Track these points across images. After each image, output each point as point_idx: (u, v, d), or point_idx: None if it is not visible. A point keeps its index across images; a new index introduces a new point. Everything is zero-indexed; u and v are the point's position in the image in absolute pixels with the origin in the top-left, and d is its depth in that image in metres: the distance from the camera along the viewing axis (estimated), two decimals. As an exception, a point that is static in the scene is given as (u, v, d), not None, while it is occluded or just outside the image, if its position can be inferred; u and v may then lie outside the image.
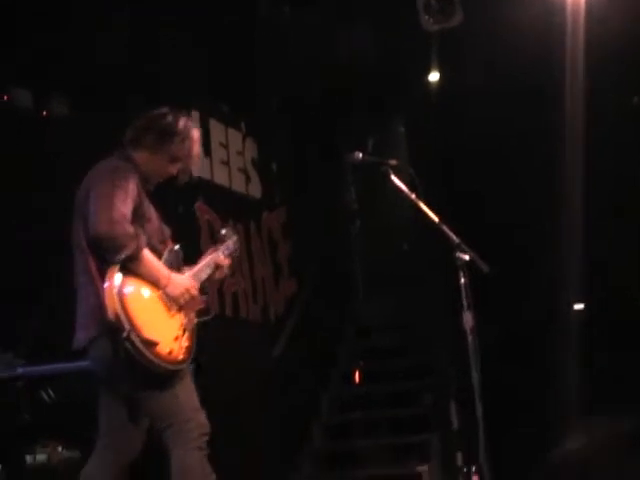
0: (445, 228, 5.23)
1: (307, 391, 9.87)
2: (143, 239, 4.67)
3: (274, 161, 10.27)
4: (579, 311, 8.96)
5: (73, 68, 7.79)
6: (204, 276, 5.09)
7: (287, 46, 9.27)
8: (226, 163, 9.39)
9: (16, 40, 7.43)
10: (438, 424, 9.22)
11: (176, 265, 4.97)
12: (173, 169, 5.03)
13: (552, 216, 8.65)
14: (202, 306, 4.98)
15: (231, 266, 5.33)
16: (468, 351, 5.09)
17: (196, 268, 5.08)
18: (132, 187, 4.73)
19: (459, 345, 5.23)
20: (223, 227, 5.66)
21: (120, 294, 4.55)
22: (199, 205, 8.75)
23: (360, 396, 10.40)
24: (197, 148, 5.11)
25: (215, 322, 8.75)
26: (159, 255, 4.86)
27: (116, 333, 4.51)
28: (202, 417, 4.80)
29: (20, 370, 6.50)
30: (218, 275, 5.26)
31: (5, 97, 7.84)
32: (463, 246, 5.17)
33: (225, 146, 9.38)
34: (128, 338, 4.48)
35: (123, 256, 4.57)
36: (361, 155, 5.46)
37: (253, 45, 9.02)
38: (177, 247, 5.04)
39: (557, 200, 8.55)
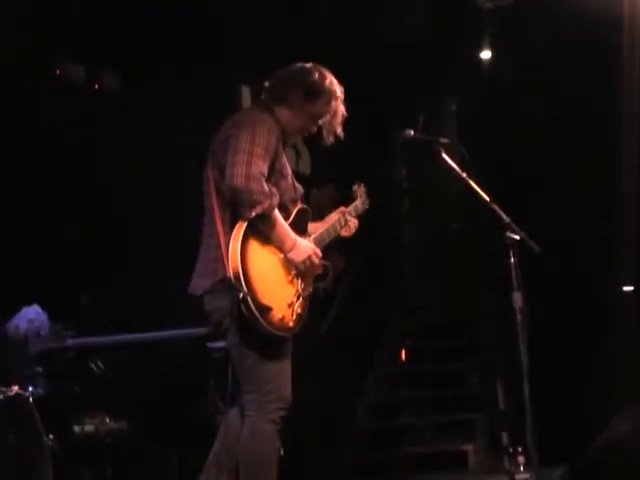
0: (496, 207, 5.20)
1: (353, 369, 9.88)
2: (277, 198, 4.59)
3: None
4: (628, 293, 8.87)
5: (124, 42, 7.84)
6: (327, 239, 5.06)
7: (338, 23, 9.24)
8: (277, 139, 9.38)
9: (68, 15, 7.49)
10: (484, 403, 9.20)
11: (303, 225, 4.92)
12: (313, 127, 4.96)
13: (604, 198, 8.57)
14: (320, 271, 4.92)
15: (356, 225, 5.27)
16: (516, 331, 5.07)
17: (320, 230, 5.05)
18: (272, 142, 4.65)
19: (507, 325, 5.21)
20: (357, 183, 5.49)
21: (243, 255, 4.51)
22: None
23: (406, 374, 10.39)
24: (342, 107, 4.98)
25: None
26: (289, 214, 4.81)
27: (233, 291, 4.46)
28: (286, 391, 4.75)
29: (70, 341, 6.58)
30: (344, 234, 5.26)
31: (57, 71, 7.91)
32: (514, 226, 5.14)
33: (277, 122, 9.37)
34: (244, 300, 4.45)
35: (257, 212, 4.50)
36: (412, 132, 5.43)
37: (305, 24, 9.00)
38: (306, 207, 4.99)
39: (611, 180, 8.45)
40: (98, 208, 7.69)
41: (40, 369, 6.24)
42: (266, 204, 4.50)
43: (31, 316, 6.43)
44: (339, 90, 4.95)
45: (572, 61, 8.86)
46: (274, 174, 4.70)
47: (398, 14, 9.25)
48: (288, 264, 4.71)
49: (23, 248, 7.04)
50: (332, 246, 9.44)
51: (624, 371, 8.16)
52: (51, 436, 5.37)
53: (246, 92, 8.86)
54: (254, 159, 4.53)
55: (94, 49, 7.91)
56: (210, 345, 6.17)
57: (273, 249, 4.67)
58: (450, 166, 5.32)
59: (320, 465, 8.74)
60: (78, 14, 7.51)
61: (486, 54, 9.99)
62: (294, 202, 4.91)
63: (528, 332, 5.06)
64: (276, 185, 4.69)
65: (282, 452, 4.82)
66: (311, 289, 4.86)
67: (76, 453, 6.18)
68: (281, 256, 4.70)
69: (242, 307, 4.47)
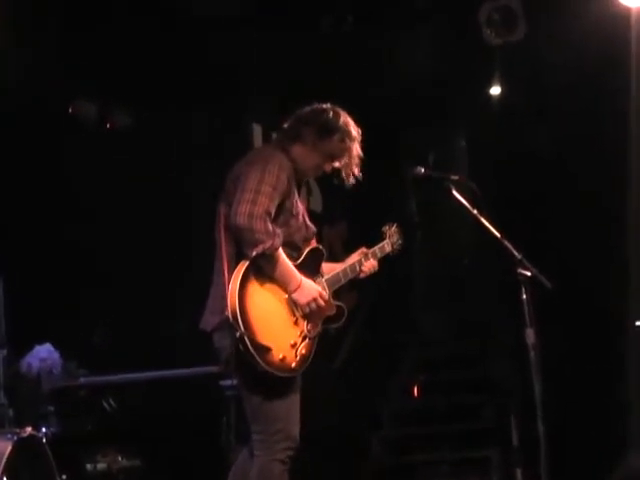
0: (507, 244, 5.20)
1: (367, 404, 9.85)
2: (280, 239, 4.59)
3: (335, 175, 10.26)
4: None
5: (136, 80, 7.88)
6: (344, 280, 5.05)
7: (349, 59, 9.27)
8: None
9: (80, 53, 7.53)
10: (499, 439, 9.15)
11: (315, 266, 4.91)
12: (328, 167, 4.96)
13: (615, 230, 8.55)
14: (332, 313, 4.92)
15: (373, 269, 5.23)
16: (530, 367, 5.06)
17: (336, 271, 5.05)
18: (283, 180, 4.67)
19: (521, 359, 5.20)
20: (388, 224, 5.47)
21: (242, 293, 4.51)
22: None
23: (419, 409, 10.35)
24: (357, 147, 4.98)
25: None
26: (300, 253, 4.82)
27: (232, 330, 4.48)
28: (294, 431, 4.74)
29: (82, 379, 6.59)
30: (363, 276, 5.23)
31: (70, 109, 7.96)
32: (525, 262, 5.14)
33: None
34: (241, 339, 4.45)
35: (258, 252, 4.51)
36: (423, 170, 5.44)
37: (316, 60, 9.05)
38: (319, 247, 4.99)
39: (620, 214, 8.45)
40: (112, 246, 7.71)
41: (53, 408, 6.25)
42: (268, 244, 4.51)
43: (43, 355, 6.45)
44: (354, 130, 4.97)
45: (582, 96, 8.87)
46: (284, 212, 4.71)
47: (409, 52, 9.26)
48: (293, 304, 4.70)
49: (36, 287, 7.06)
50: (346, 283, 9.44)
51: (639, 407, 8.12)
52: (64, 476, 5.36)
53: (257, 130, 8.92)
54: (260, 197, 4.54)
55: (107, 87, 7.96)
56: (223, 383, 6.18)
57: (278, 289, 4.66)
58: (461, 203, 5.33)
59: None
60: (91, 53, 7.56)
61: (496, 90, 10.01)
62: (306, 241, 4.90)
63: (542, 367, 5.04)
64: (286, 224, 4.72)
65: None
66: (319, 330, 4.83)
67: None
68: (286, 296, 4.69)
69: (240, 346, 4.48)
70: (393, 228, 5.46)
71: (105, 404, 6.67)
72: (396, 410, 10.39)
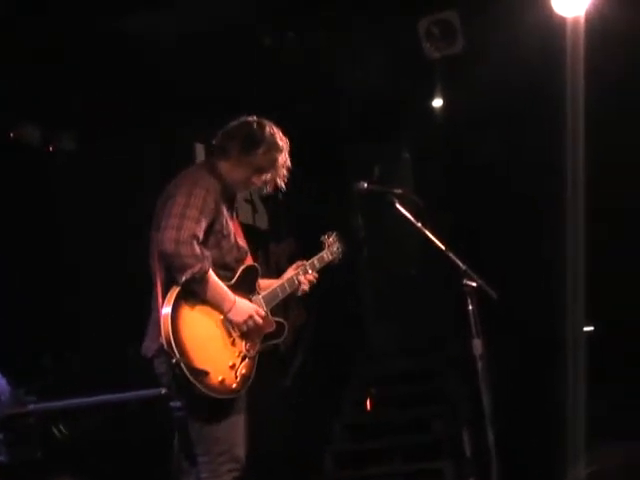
0: (452, 255, 5.23)
1: (319, 419, 9.85)
2: (209, 261, 4.58)
3: (280, 191, 10.27)
4: (588, 333, 8.93)
5: (80, 103, 7.84)
6: (282, 295, 5.02)
7: (290, 74, 9.29)
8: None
9: (23, 76, 7.48)
10: (451, 451, 9.19)
11: (250, 284, 4.89)
12: (258, 180, 4.93)
13: (556, 240, 8.64)
14: (271, 329, 4.92)
15: (313, 281, 5.21)
16: (478, 378, 5.08)
17: (272, 288, 5.01)
18: (209, 202, 4.64)
19: (470, 372, 5.22)
20: (327, 233, 5.50)
21: (175, 319, 4.51)
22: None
23: (371, 423, 10.37)
24: (284, 158, 4.96)
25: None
26: (234, 273, 4.80)
27: (168, 357, 4.50)
28: (238, 452, 4.75)
29: (31, 406, 6.51)
30: (301, 292, 5.22)
31: (12, 134, 7.89)
32: (471, 273, 5.17)
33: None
34: (177, 365, 4.45)
35: (187, 277, 4.49)
36: (366, 184, 5.46)
37: (257, 72, 9.05)
38: (253, 265, 4.96)
39: (561, 226, 8.55)
40: (57, 270, 7.65)
41: (1, 436, 6.17)
42: (196, 268, 4.49)
43: (-9, 382, 6.38)
44: (281, 141, 4.95)
45: (521, 106, 8.98)
46: (214, 234, 4.70)
47: (352, 67, 9.31)
48: (229, 325, 4.70)
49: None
50: (293, 300, 9.47)
51: (587, 414, 8.18)
52: (14, 504, 5.31)
53: (200, 149, 8.90)
54: (186, 222, 4.52)
55: (49, 111, 7.91)
56: (173, 404, 6.14)
57: (213, 311, 4.66)
58: (405, 216, 5.35)
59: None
60: (34, 77, 7.51)
61: (438, 102, 10.09)
62: (239, 261, 4.87)
63: (490, 378, 5.07)
64: (217, 245, 4.71)
65: None
66: (259, 348, 4.84)
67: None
68: (222, 317, 4.69)
69: (177, 371, 4.48)
70: (332, 237, 5.50)
71: (55, 431, 6.59)
72: (348, 424, 10.39)
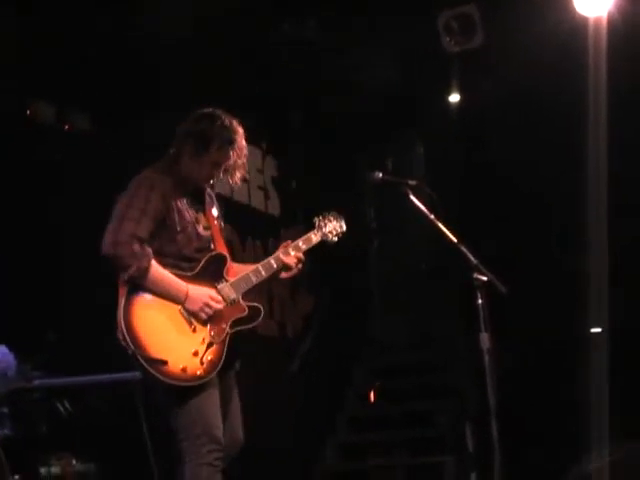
0: (463, 249, 5.22)
1: (322, 409, 9.86)
2: (149, 258, 4.66)
3: (293, 179, 10.30)
4: (597, 334, 8.91)
5: (96, 82, 7.84)
6: (254, 281, 4.99)
7: (310, 65, 9.29)
8: (246, 180, 9.42)
9: (39, 53, 7.48)
10: (453, 445, 9.19)
11: (217, 272, 4.91)
12: (218, 173, 4.94)
13: (574, 238, 8.62)
14: (242, 315, 4.92)
15: (295, 263, 5.18)
16: (485, 372, 5.08)
17: (243, 274, 5.00)
18: (153, 200, 4.71)
19: (476, 366, 5.21)
20: (322, 215, 5.46)
21: (128, 314, 4.63)
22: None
23: (375, 416, 10.38)
24: (239, 148, 4.94)
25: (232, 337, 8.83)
26: (197, 263, 4.83)
27: (127, 349, 4.61)
28: (215, 433, 4.77)
29: (37, 381, 6.53)
30: (285, 275, 5.19)
31: (28, 111, 7.89)
32: (481, 267, 5.16)
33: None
34: (134, 357, 4.58)
35: (127, 276, 4.62)
36: (381, 175, 5.46)
37: (277, 62, 9.05)
38: (218, 253, 4.96)
39: (579, 222, 8.52)
40: (66, 248, 7.65)
41: (6, 410, 6.19)
42: (134, 267, 4.60)
43: (-2, 357, 6.39)
44: (234, 133, 4.92)
45: (539, 103, 8.96)
46: (166, 230, 4.76)
47: (369, 59, 9.30)
48: (187, 314, 4.75)
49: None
50: (301, 287, 9.51)
51: (594, 412, 8.17)
52: (17, 477, 5.32)
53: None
54: (124, 223, 4.63)
55: (65, 90, 7.91)
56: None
57: (168, 302, 4.73)
58: (418, 208, 5.35)
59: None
60: (51, 54, 7.52)
61: (454, 97, 10.07)
62: (201, 251, 4.89)
63: (496, 373, 5.06)
64: (172, 240, 4.77)
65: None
66: (228, 333, 4.84)
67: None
68: (179, 307, 4.74)
69: (135, 364, 4.62)
70: (327, 217, 5.48)
71: (60, 407, 6.61)
72: (352, 415, 10.40)
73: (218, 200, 5.27)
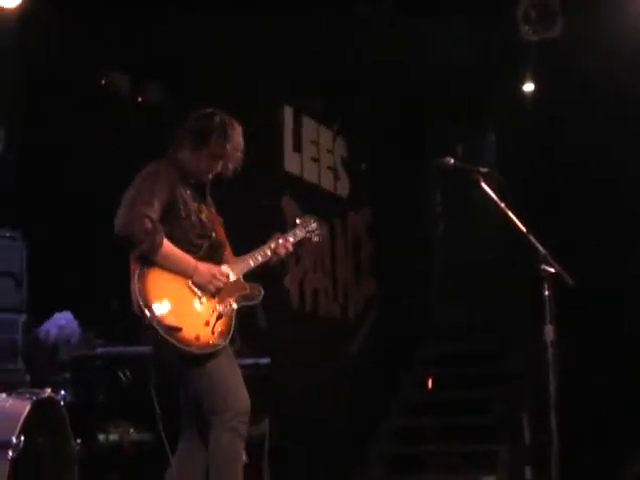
0: (532, 239, 5.19)
1: (380, 391, 9.87)
2: (161, 235, 4.91)
3: (363, 161, 10.29)
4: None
5: (171, 56, 7.87)
6: (252, 264, 5.29)
7: (385, 48, 9.25)
8: (316, 160, 9.43)
9: (117, 25, 7.53)
10: (508, 435, 9.14)
11: (218, 256, 5.20)
12: (217, 165, 5.22)
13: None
14: (245, 292, 5.19)
15: (290, 253, 5.49)
16: (547, 364, 5.05)
17: (241, 258, 5.32)
18: (161, 186, 5.00)
19: (538, 357, 5.18)
20: (301, 219, 5.73)
21: (142, 284, 4.86)
22: (286, 200, 8.79)
23: (431, 401, 10.36)
24: (236, 143, 5.23)
25: (294, 317, 8.88)
26: (199, 248, 5.10)
27: (142, 321, 4.80)
28: (239, 397, 4.99)
29: (99, 349, 6.61)
30: (276, 261, 5.43)
31: (103, 81, 7.95)
32: (549, 258, 5.13)
33: (316, 143, 9.43)
34: (150, 326, 4.77)
35: (141, 251, 4.86)
36: (452, 160, 5.45)
37: (351, 44, 9.03)
38: (218, 239, 5.25)
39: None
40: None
41: (69, 375, 6.27)
42: (147, 243, 4.87)
43: (62, 322, 6.47)
44: (231, 129, 5.21)
45: (617, 97, 8.84)
46: (173, 216, 5.04)
47: (445, 44, 9.23)
48: (196, 288, 5.01)
49: (58, 255, 7.07)
50: (365, 269, 9.50)
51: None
52: (79, 440, 5.39)
53: (289, 112, 8.93)
54: (135, 206, 4.89)
55: (140, 62, 7.96)
56: (239, 361, 6.23)
57: (178, 277, 4.99)
58: (489, 195, 5.32)
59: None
60: (129, 25, 7.56)
61: (529, 87, 9.97)
62: (204, 237, 5.18)
63: (558, 365, 5.03)
64: (179, 225, 5.05)
65: (246, 458, 5.13)
66: (234, 307, 5.11)
67: (101, 460, 6.20)
68: (188, 282, 5.00)
69: (152, 332, 4.79)
70: (308, 219, 5.70)
71: (121, 375, 6.67)
72: (408, 401, 10.41)
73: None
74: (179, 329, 4.81)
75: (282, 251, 5.41)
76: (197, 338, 4.88)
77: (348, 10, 8.97)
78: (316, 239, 5.72)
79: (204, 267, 5.04)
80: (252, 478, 6.38)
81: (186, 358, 4.88)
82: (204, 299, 5.02)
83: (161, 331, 4.77)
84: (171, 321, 4.81)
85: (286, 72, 8.65)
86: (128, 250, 4.94)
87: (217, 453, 4.95)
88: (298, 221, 5.67)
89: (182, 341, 4.82)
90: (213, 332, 4.96)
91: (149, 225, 4.86)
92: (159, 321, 4.78)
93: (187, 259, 5.02)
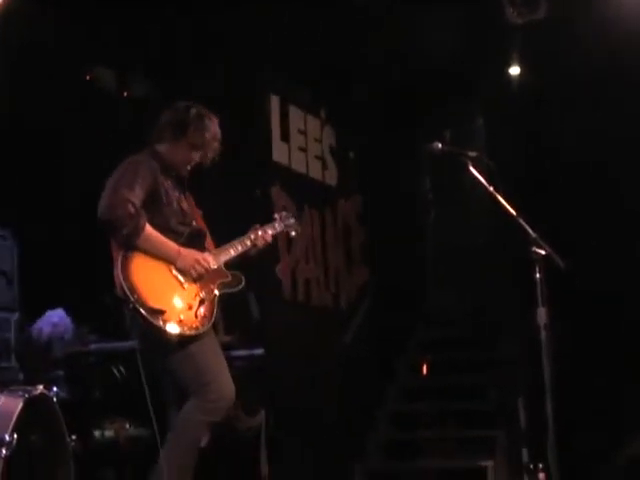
0: (522, 222, 5.19)
1: (374, 379, 9.88)
2: (144, 218, 5.02)
3: (352, 149, 10.27)
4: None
5: (157, 50, 7.85)
6: (232, 253, 5.42)
7: (372, 34, 9.23)
8: (304, 150, 9.41)
9: (101, 19, 7.50)
10: (505, 419, 9.15)
11: (199, 243, 5.32)
12: (196, 156, 5.37)
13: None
14: (227, 279, 5.30)
15: (268, 245, 5.64)
16: (541, 347, 5.05)
17: (222, 247, 5.45)
18: (143, 174, 5.12)
19: (532, 341, 5.18)
20: (279, 213, 5.93)
21: (126, 270, 4.94)
22: (276, 190, 8.78)
23: (427, 387, 10.37)
24: (213, 133, 5.38)
25: (287, 307, 8.88)
26: (179, 235, 5.21)
27: (125, 305, 4.90)
28: (224, 382, 5.07)
29: (93, 346, 6.60)
30: (254, 251, 5.57)
31: (88, 76, 7.92)
32: (540, 241, 5.13)
33: (304, 133, 9.41)
34: (134, 309, 4.85)
35: (124, 235, 4.95)
36: (440, 145, 5.46)
37: (337, 33, 9.01)
38: (199, 227, 5.39)
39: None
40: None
41: (62, 372, 6.26)
42: (131, 225, 4.96)
43: (55, 320, 6.46)
44: (209, 120, 5.39)
45: (604, 79, 8.83)
46: (154, 202, 5.14)
47: (431, 28, 9.21)
48: (180, 272, 5.11)
49: (49, 252, 7.06)
50: (357, 257, 9.49)
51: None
52: (74, 437, 5.38)
53: (275, 101, 8.90)
54: (118, 190, 4.99)
55: (125, 55, 7.93)
56: (233, 353, 6.24)
57: (161, 261, 5.09)
58: (478, 179, 5.32)
59: (338, 473, 8.75)
60: (113, 20, 7.53)
61: (515, 70, 9.96)
62: (185, 224, 5.31)
63: (552, 348, 5.03)
64: (160, 211, 5.17)
65: (204, 443, 5.19)
66: (216, 293, 5.21)
67: (96, 457, 6.19)
68: (171, 266, 5.10)
69: (135, 314, 4.88)
70: (285, 214, 5.91)
71: (115, 371, 6.66)
72: (404, 386, 10.41)
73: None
74: (163, 311, 4.90)
75: (261, 242, 5.54)
76: (180, 321, 4.97)
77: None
78: (293, 234, 5.93)
79: (187, 252, 5.14)
80: (249, 470, 6.39)
81: (170, 342, 4.95)
82: (186, 284, 5.12)
83: (145, 313, 4.85)
84: (154, 303, 4.90)
85: (272, 61, 8.63)
86: (111, 234, 5.03)
87: (183, 426, 5.04)
88: (276, 215, 5.81)
89: (166, 323, 4.91)
90: (196, 316, 5.06)
91: (132, 209, 4.95)
92: (143, 303, 4.86)
93: (170, 244, 5.12)
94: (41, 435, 5.05)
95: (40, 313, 6.47)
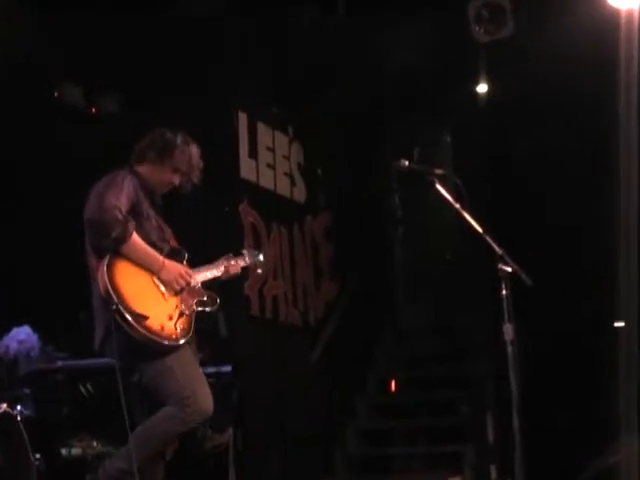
0: (489, 239, 5.21)
1: (344, 396, 9.87)
2: (132, 225, 5.04)
3: (320, 166, 10.28)
4: (620, 328, 8.85)
5: (124, 66, 7.85)
6: (208, 275, 5.45)
7: (338, 52, 9.28)
8: (272, 167, 9.42)
9: (69, 37, 7.50)
10: (473, 435, 9.18)
11: (177, 261, 5.29)
12: (175, 179, 5.41)
13: (602, 228, 8.56)
14: (203, 298, 5.31)
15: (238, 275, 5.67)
16: (507, 363, 5.07)
17: (199, 269, 5.45)
18: (127, 186, 5.15)
19: (499, 356, 5.20)
20: (248, 249, 5.96)
21: (111, 275, 4.94)
22: (243, 207, 8.79)
23: (396, 403, 10.38)
24: (195, 160, 5.45)
25: (255, 324, 8.87)
26: (160, 250, 5.22)
27: (108, 306, 4.88)
28: (203, 395, 5.06)
29: (60, 363, 6.56)
30: (225, 278, 5.58)
31: (56, 93, 7.91)
32: (506, 258, 5.16)
33: (272, 150, 9.41)
34: (118, 311, 4.85)
35: (113, 236, 4.95)
36: (407, 163, 5.48)
37: (304, 50, 9.04)
38: (177, 247, 5.45)
39: (609, 213, 8.46)
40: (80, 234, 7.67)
41: (28, 390, 6.22)
42: (119, 229, 4.97)
43: (22, 337, 6.43)
44: (192, 147, 5.46)
45: (569, 95, 8.90)
46: (135, 215, 5.15)
47: (397, 46, 9.27)
48: (162, 284, 5.14)
49: (16, 268, 7.03)
50: (326, 274, 9.51)
51: (616, 404, 8.13)
52: (38, 455, 5.35)
53: (243, 118, 8.91)
54: (106, 197, 5.02)
55: (93, 73, 7.92)
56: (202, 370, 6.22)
57: (145, 271, 5.11)
58: (444, 197, 5.34)
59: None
60: (80, 38, 7.53)
61: (482, 87, 10.03)
62: (164, 240, 5.37)
63: (519, 364, 5.05)
64: (140, 226, 5.17)
65: (167, 457, 5.20)
66: (194, 309, 5.23)
67: (63, 474, 6.15)
68: (154, 277, 5.13)
69: (118, 318, 4.86)
70: (253, 251, 5.93)
71: (82, 389, 6.64)
72: (374, 402, 10.41)
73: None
74: (146, 317, 4.92)
75: (232, 270, 5.56)
76: (162, 329, 4.99)
77: (298, 15, 9.00)
78: (259, 271, 6.05)
79: (171, 265, 5.20)
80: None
81: (151, 350, 4.96)
82: (167, 296, 5.13)
83: (129, 316, 4.85)
84: (138, 308, 4.91)
85: (240, 78, 8.65)
86: (98, 237, 5.01)
87: (153, 426, 5.03)
88: (244, 251, 5.82)
89: (148, 329, 4.92)
90: (176, 327, 5.07)
91: (120, 215, 4.98)
92: (127, 306, 4.88)
93: (155, 254, 5.15)
94: (4, 454, 5.03)
95: (6, 330, 6.43)
